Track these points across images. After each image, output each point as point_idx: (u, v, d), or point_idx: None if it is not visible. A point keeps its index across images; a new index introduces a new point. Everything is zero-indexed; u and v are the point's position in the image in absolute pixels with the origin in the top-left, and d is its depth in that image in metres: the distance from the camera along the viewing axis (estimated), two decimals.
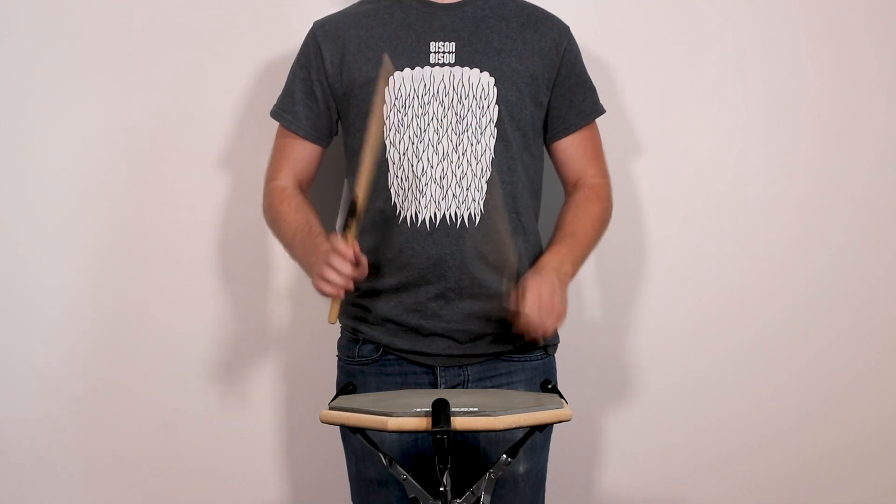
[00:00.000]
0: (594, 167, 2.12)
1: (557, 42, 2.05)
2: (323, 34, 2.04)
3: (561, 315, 1.89)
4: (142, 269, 2.35)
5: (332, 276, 1.84)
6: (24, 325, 2.34)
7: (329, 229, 2.32)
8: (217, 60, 2.33)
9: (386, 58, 1.92)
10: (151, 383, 2.35)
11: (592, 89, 2.12)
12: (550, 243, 2.02)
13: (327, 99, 2.06)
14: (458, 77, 1.97)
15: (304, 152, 2.09)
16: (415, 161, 1.97)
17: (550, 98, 2.06)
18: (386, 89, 1.96)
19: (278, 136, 2.11)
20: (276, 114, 2.10)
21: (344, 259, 1.83)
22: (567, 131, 2.09)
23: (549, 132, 2.09)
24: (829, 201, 2.40)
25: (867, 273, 2.41)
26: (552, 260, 1.95)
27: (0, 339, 2.34)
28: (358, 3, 2.10)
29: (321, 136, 2.09)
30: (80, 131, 2.32)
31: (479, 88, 1.97)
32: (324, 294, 1.88)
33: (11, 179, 2.32)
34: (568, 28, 2.08)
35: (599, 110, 2.13)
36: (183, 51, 2.33)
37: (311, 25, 2.08)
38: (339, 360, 2.09)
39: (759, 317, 2.40)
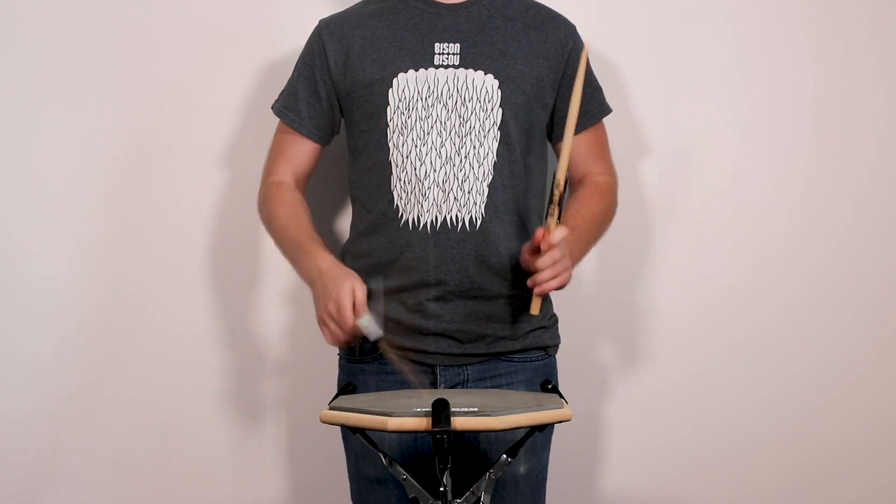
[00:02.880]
0: (600, 165, 2.11)
1: (563, 42, 2.04)
2: (328, 33, 2.04)
3: (568, 278, 1.86)
4: (142, 269, 2.34)
5: (333, 319, 1.86)
6: (22, 323, 2.33)
7: (331, 229, 2.33)
8: (218, 60, 2.32)
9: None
10: (151, 384, 2.34)
11: (599, 89, 2.11)
12: None
13: (331, 98, 2.05)
14: (462, 79, 1.97)
15: (303, 150, 2.09)
16: (418, 164, 1.96)
17: (556, 99, 2.05)
18: (390, 91, 1.96)
19: (278, 131, 2.11)
20: (278, 110, 2.09)
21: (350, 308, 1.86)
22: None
23: (556, 132, 2.08)
24: (829, 201, 2.40)
25: (867, 273, 2.41)
26: None
27: None
28: (363, 3, 2.09)
29: (322, 135, 2.08)
30: (80, 130, 2.32)
31: (483, 91, 1.97)
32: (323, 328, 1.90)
33: (11, 177, 2.31)
34: (574, 27, 2.07)
35: (606, 110, 2.12)
36: (184, 50, 2.32)
37: (312, 24, 2.07)
38: (340, 358, 2.09)
39: (760, 316, 2.40)
